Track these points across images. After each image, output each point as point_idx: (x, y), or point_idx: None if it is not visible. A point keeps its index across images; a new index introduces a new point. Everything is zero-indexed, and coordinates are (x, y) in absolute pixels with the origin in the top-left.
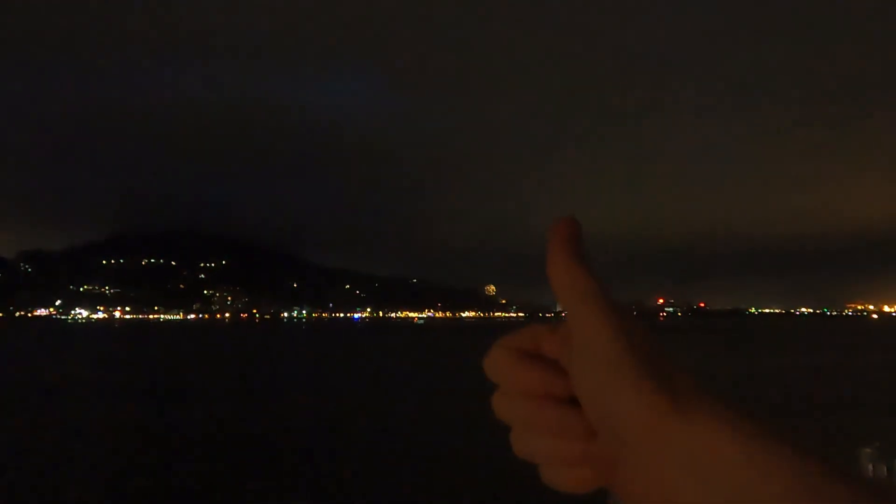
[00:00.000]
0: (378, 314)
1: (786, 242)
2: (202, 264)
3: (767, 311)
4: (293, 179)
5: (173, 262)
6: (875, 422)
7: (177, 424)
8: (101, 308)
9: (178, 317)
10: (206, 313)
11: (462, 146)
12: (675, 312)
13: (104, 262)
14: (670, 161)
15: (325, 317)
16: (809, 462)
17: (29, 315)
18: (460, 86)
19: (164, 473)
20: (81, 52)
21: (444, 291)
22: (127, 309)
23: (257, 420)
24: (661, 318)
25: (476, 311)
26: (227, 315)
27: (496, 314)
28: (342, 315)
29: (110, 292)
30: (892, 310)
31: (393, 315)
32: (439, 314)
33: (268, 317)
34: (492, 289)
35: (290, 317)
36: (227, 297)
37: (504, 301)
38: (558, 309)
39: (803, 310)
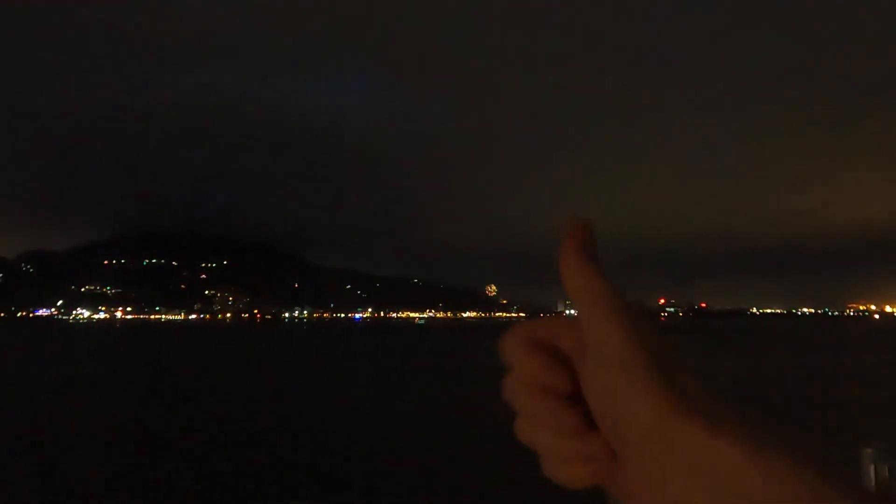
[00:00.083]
0: (379, 314)
1: (787, 242)
2: (203, 264)
3: (769, 311)
4: (294, 179)
5: (174, 263)
6: (877, 422)
7: (177, 425)
8: (103, 308)
9: (179, 317)
10: (208, 313)
11: (462, 146)
12: (675, 313)
13: (105, 262)
14: (671, 161)
15: (327, 317)
16: (810, 469)
17: (30, 315)
18: (460, 86)
19: (164, 474)
20: (82, 52)
21: (445, 291)
22: (128, 309)
23: (258, 420)
24: (662, 319)
25: (477, 312)
26: (228, 315)
27: (497, 314)
28: (343, 315)
29: (111, 292)
30: (894, 310)
31: (394, 315)
32: (440, 314)
33: (269, 317)
34: (493, 289)
35: (292, 317)
36: (228, 297)
37: (505, 301)
38: (559, 309)
39: (805, 310)
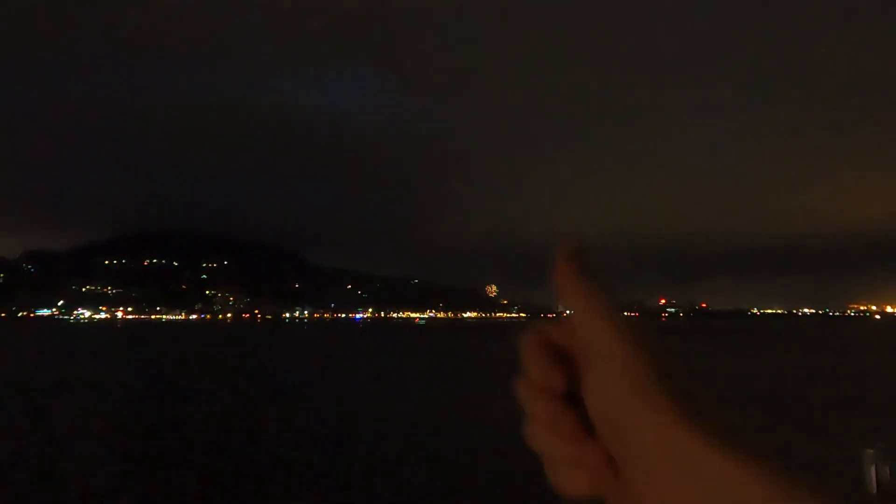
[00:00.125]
0: (379, 314)
1: (788, 242)
2: (204, 264)
3: (769, 311)
4: (295, 180)
5: (175, 263)
6: (879, 423)
7: (178, 425)
8: (104, 308)
9: (180, 317)
10: (208, 313)
11: (463, 146)
12: (676, 313)
13: (106, 262)
14: (671, 161)
15: (327, 317)
16: (804, 484)
17: (31, 315)
18: (460, 86)
19: (165, 474)
20: (83, 52)
21: (446, 292)
22: (129, 309)
23: (259, 421)
24: (663, 319)
25: (477, 312)
26: (228, 315)
27: (498, 315)
28: (344, 315)
29: (112, 292)
30: (895, 310)
31: (394, 315)
32: (441, 314)
33: (269, 317)
34: (493, 289)
35: (292, 317)
36: (228, 297)
37: (505, 301)
38: (560, 309)
39: (805, 310)
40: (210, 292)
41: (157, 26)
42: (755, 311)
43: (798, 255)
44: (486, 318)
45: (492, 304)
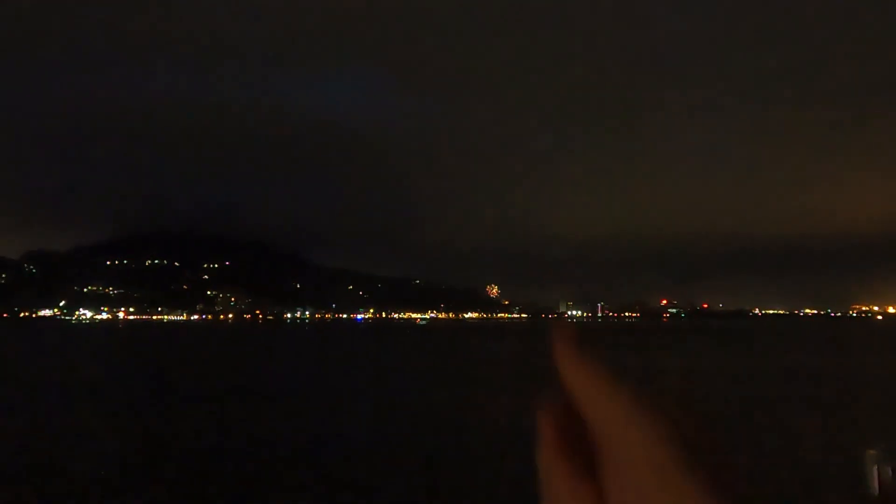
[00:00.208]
0: (381, 315)
1: (789, 243)
2: (205, 265)
3: (771, 312)
4: (295, 180)
5: (177, 263)
6: (880, 424)
7: (179, 425)
8: (105, 309)
9: (181, 317)
10: (210, 314)
11: (463, 146)
12: (678, 313)
13: (108, 262)
14: (671, 161)
15: (328, 317)
16: None
17: (33, 315)
18: (461, 86)
19: (165, 474)
20: (83, 53)
21: (447, 292)
22: (131, 310)
23: (259, 421)
24: (664, 319)
25: (479, 312)
26: (230, 316)
27: (499, 315)
28: (345, 316)
29: (114, 293)
30: None
31: (395, 316)
32: (442, 315)
33: (271, 317)
34: (494, 290)
35: (293, 317)
36: (230, 297)
37: (507, 302)
38: (561, 310)
39: (807, 311)
40: (211, 293)
41: (157, 26)
42: (757, 311)
43: (800, 255)
44: (487, 318)
45: (493, 305)
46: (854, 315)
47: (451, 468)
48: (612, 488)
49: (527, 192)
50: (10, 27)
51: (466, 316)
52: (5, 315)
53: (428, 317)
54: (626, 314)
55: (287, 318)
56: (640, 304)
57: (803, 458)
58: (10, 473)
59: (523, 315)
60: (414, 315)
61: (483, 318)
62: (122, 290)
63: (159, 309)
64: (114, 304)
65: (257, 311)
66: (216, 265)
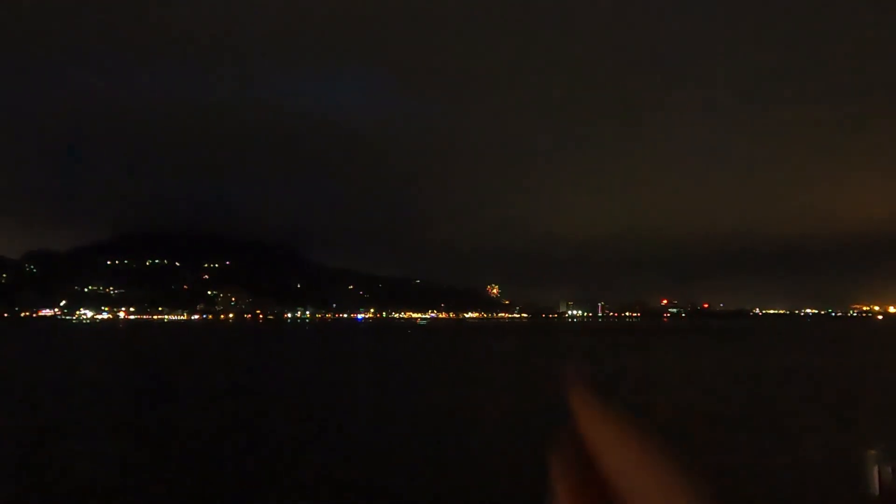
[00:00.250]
0: (381, 315)
1: (790, 243)
2: (206, 265)
3: (772, 311)
4: (296, 180)
5: (177, 263)
6: (881, 423)
7: (179, 425)
8: (106, 308)
9: (182, 317)
10: (210, 314)
11: (464, 146)
12: (678, 313)
13: (109, 262)
14: (672, 161)
15: (329, 317)
16: None
17: (34, 315)
18: (461, 86)
19: (165, 474)
20: (83, 53)
21: (447, 292)
22: (131, 309)
23: (260, 420)
24: (665, 319)
25: (479, 312)
26: (230, 315)
27: (499, 315)
28: (345, 315)
29: (115, 293)
30: None
31: (396, 315)
32: (442, 315)
33: (271, 317)
34: (495, 289)
35: (294, 317)
36: (230, 297)
37: (507, 302)
38: (562, 309)
39: (808, 310)
40: (212, 292)
41: (157, 27)
42: (757, 311)
43: (800, 255)
44: (487, 318)
45: (494, 305)
46: (854, 315)
47: (452, 467)
48: None
49: (527, 192)
50: (10, 27)
51: (467, 316)
52: (6, 315)
53: (428, 316)
54: (627, 314)
55: (287, 317)
56: (641, 304)
57: (803, 458)
58: (10, 473)
59: (524, 315)
60: (414, 315)
61: (483, 318)
62: (122, 290)
63: (160, 309)
64: (114, 303)
65: (258, 311)
66: (216, 265)
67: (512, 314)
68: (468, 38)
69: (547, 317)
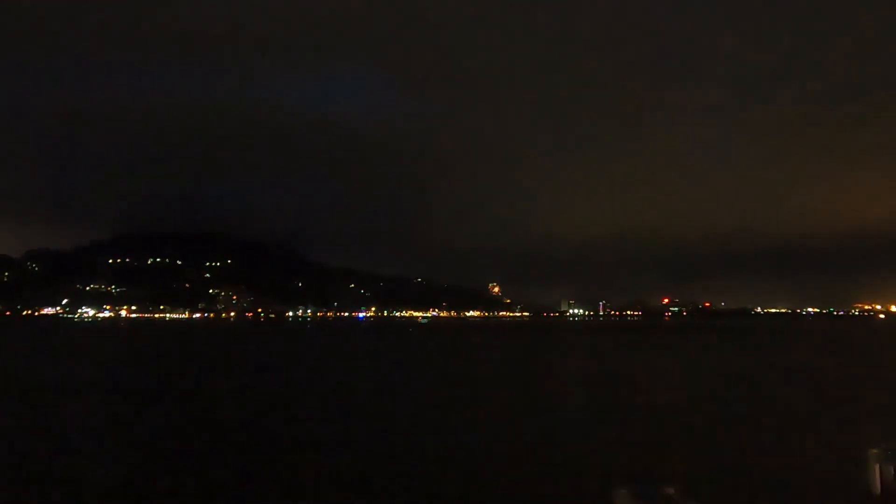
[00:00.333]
0: (382, 313)
1: (792, 242)
2: (207, 263)
3: (773, 310)
4: (297, 179)
5: (179, 262)
6: (883, 422)
7: (179, 423)
8: (108, 307)
9: (183, 316)
10: (212, 312)
11: (464, 145)
12: (679, 312)
13: (110, 261)
14: (673, 160)
15: (330, 316)
16: None
17: (36, 314)
18: (462, 86)
19: (166, 473)
20: (85, 52)
21: (448, 291)
22: (133, 308)
23: (260, 420)
24: (666, 318)
25: (481, 311)
26: (232, 314)
27: (501, 314)
28: (346, 314)
29: (116, 291)
30: None
31: (397, 314)
32: (444, 313)
33: (273, 316)
34: (496, 288)
35: (295, 316)
36: (231, 296)
37: (509, 300)
38: (563, 308)
39: (809, 310)
40: (213, 291)
41: (158, 26)
42: (759, 310)
43: (801, 254)
44: (489, 317)
45: (495, 303)
46: (856, 314)
47: (453, 468)
48: None
49: (528, 192)
50: (9, 26)
51: (468, 314)
52: (8, 313)
53: (430, 315)
54: (628, 313)
55: (289, 316)
56: (642, 303)
57: (805, 456)
58: (14, 471)
59: (525, 314)
60: (415, 313)
61: (485, 317)
62: (124, 289)
63: (161, 307)
64: (116, 302)
65: (259, 310)
66: (218, 264)
67: (513, 313)
68: (468, 38)
69: (548, 316)
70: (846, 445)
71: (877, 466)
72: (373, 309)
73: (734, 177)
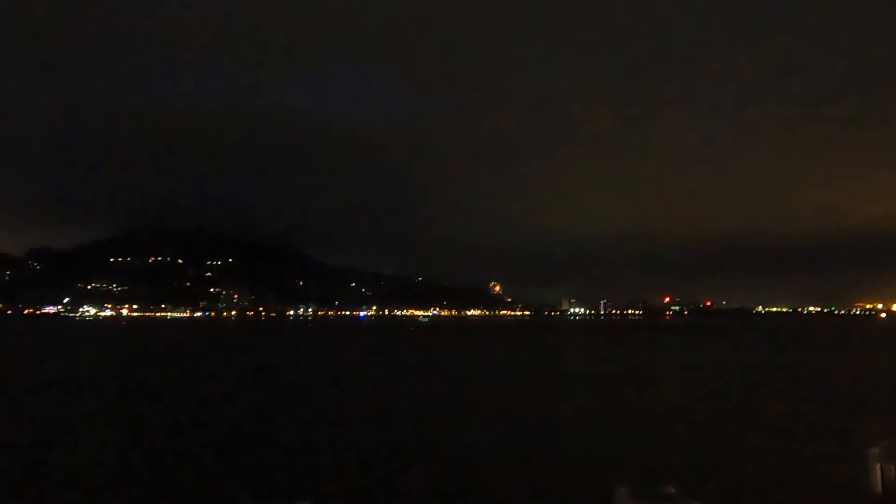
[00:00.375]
0: (383, 312)
1: (793, 240)
2: (208, 262)
3: (774, 309)
4: (298, 178)
5: (180, 261)
6: (884, 422)
7: (179, 422)
8: (109, 306)
9: (184, 314)
10: (213, 311)
11: (466, 144)
12: (680, 311)
13: (112, 260)
14: (675, 158)
15: (331, 315)
16: None
17: (37, 312)
18: (464, 84)
19: (166, 472)
20: (87, 52)
21: (450, 290)
22: (134, 307)
23: (261, 418)
24: (667, 317)
25: (481, 310)
26: (233, 313)
27: (502, 312)
28: (348, 313)
29: (117, 290)
30: None
31: (398, 313)
32: (445, 312)
33: (273, 315)
34: (497, 287)
35: (296, 315)
36: (233, 294)
37: (510, 299)
38: (564, 307)
39: (811, 308)
40: (214, 290)
41: (160, 25)
42: (760, 309)
43: (803, 253)
44: (490, 315)
45: (496, 302)
46: (857, 313)
47: (452, 466)
48: None
49: (529, 190)
50: (13, 25)
51: (469, 313)
52: (9, 312)
53: (431, 314)
54: (629, 312)
55: (290, 315)
56: (643, 302)
57: (806, 455)
58: (11, 471)
59: (526, 312)
60: (417, 312)
61: (486, 316)
62: (125, 288)
63: (162, 306)
64: (117, 301)
65: (260, 309)
66: (219, 262)
67: (514, 312)
68: (470, 37)
69: (549, 314)
70: (847, 445)
71: (878, 466)
72: (374, 308)
73: (736, 176)
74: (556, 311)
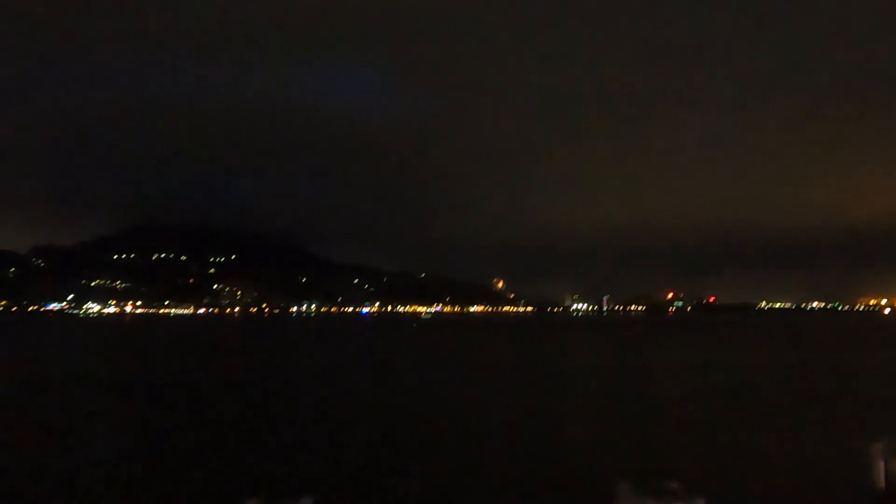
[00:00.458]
0: (386, 308)
1: (796, 236)
2: (212, 259)
3: (778, 305)
4: (301, 175)
5: (183, 257)
6: (887, 417)
7: (180, 421)
8: (113, 302)
9: (188, 311)
10: (216, 307)
11: (468, 140)
12: (684, 307)
13: (115, 256)
14: (678, 153)
15: (334, 311)
16: None
17: (41, 309)
18: (465, 81)
19: (166, 471)
20: (93, 48)
21: (452, 286)
22: (138, 303)
23: (261, 419)
24: (670, 313)
25: (484, 306)
26: (236, 309)
27: (505, 308)
28: (350, 309)
29: (121, 287)
30: None
31: (401, 309)
32: (447, 308)
33: (277, 311)
34: (500, 283)
35: (299, 311)
36: (236, 291)
37: (512, 295)
38: (566, 303)
39: (814, 304)
40: (218, 286)
41: (162, 23)
42: (763, 304)
43: (806, 248)
44: (493, 311)
45: (499, 298)
46: (861, 308)
47: (452, 467)
48: None
49: (532, 186)
50: (18, 23)
51: (472, 309)
52: (14, 308)
53: (433, 310)
54: (632, 307)
55: (293, 311)
56: (646, 298)
57: (809, 450)
58: (12, 470)
59: (529, 308)
60: (419, 308)
61: (489, 312)
62: (129, 284)
63: (166, 303)
64: (121, 297)
65: (263, 305)
66: (222, 259)
67: (517, 308)
68: (470, 33)
69: (552, 310)
70: (850, 440)
71: (881, 461)
72: (377, 304)
73: (739, 170)
74: (558, 308)
